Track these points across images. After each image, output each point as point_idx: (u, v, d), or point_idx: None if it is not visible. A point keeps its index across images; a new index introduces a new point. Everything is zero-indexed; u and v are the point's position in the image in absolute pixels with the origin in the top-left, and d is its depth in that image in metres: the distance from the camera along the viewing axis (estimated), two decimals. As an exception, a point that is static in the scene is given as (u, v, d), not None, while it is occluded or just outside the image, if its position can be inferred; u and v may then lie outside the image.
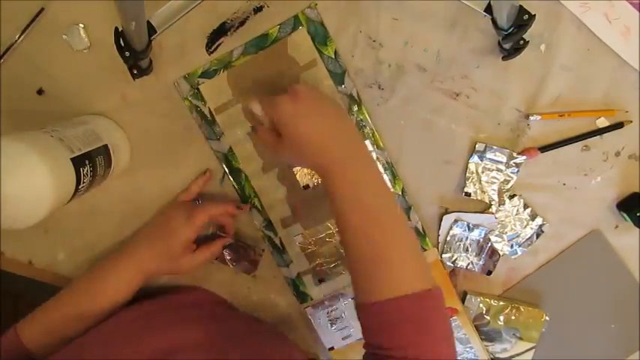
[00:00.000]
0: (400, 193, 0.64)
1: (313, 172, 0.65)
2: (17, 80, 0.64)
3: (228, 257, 0.67)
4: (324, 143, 0.51)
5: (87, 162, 0.54)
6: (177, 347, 0.52)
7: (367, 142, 0.64)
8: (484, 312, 0.67)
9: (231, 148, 0.65)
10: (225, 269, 0.69)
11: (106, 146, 0.58)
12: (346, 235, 0.50)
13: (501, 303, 0.66)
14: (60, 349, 0.53)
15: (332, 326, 0.68)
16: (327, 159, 0.50)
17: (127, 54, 0.52)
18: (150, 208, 0.67)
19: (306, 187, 0.65)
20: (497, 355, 0.68)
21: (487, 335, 0.67)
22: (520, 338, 0.67)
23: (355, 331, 0.68)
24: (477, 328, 0.67)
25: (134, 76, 0.58)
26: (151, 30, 0.54)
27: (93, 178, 0.55)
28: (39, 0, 0.62)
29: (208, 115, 0.64)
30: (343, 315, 0.68)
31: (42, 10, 0.62)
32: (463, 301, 0.67)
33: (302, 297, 0.68)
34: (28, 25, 0.62)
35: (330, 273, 0.67)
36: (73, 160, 0.52)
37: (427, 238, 0.66)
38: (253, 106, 0.54)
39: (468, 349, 0.67)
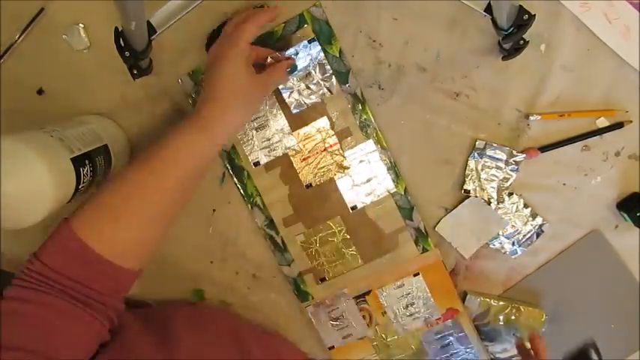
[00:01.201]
0: (403, 192, 0.64)
1: (316, 172, 0.65)
2: (17, 80, 0.64)
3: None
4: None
5: (87, 162, 0.54)
6: None
7: (370, 142, 0.64)
8: (484, 312, 0.67)
9: (233, 145, 0.65)
10: (226, 268, 0.69)
11: (106, 146, 0.58)
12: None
13: (501, 303, 0.66)
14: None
15: (332, 325, 0.68)
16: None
17: (127, 54, 0.53)
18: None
19: (309, 185, 0.65)
20: (497, 355, 0.68)
21: (487, 335, 0.67)
22: (520, 338, 0.67)
23: (355, 330, 0.68)
24: (477, 328, 0.67)
25: (134, 76, 0.58)
26: (151, 30, 0.54)
27: (93, 177, 0.55)
28: (39, 0, 0.62)
29: None
30: (344, 314, 0.68)
31: (42, 10, 0.62)
32: (463, 301, 0.67)
33: (303, 296, 0.68)
34: (28, 25, 0.62)
35: (332, 272, 0.67)
36: (73, 160, 0.52)
37: (429, 239, 0.66)
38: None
39: (468, 350, 0.67)
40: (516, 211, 0.65)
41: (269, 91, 0.60)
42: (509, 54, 0.58)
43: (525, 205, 0.65)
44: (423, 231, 0.65)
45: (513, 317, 0.66)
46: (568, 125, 0.63)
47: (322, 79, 0.63)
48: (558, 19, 0.60)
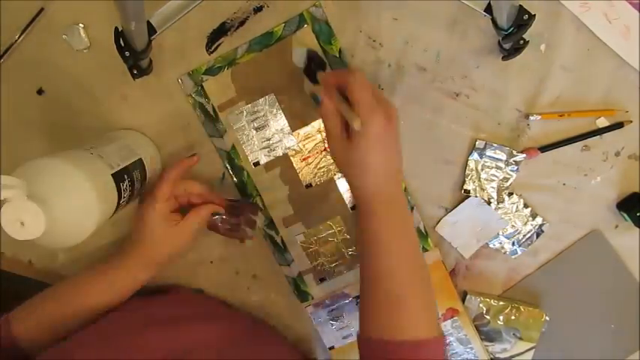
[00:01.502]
0: (403, 189, 0.64)
1: (316, 172, 0.65)
2: (17, 80, 0.64)
3: (223, 225, 0.63)
4: (386, 176, 0.50)
5: (125, 177, 0.54)
6: (190, 347, 0.52)
7: None
8: (484, 312, 0.67)
9: (233, 145, 0.65)
10: (226, 268, 0.69)
11: (140, 160, 0.59)
12: (367, 272, 0.51)
13: (501, 303, 0.66)
14: (55, 345, 0.52)
15: (332, 325, 0.68)
16: (381, 192, 0.50)
17: (127, 54, 0.53)
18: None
19: (309, 185, 0.65)
20: (497, 355, 0.68)
21: (487, 335, 0.67)
22: (520, 338, 0.67)
23: (355, 330, 0.68)
24: (477, 328, 0.67)
25: (134, 76, 0.58)
26: (151, 30, 0.54)
27: (132, 191, 0.56)
28: (39, 0, 0.62)
29: (211, 113, 0.64)
30: (344, 314, 0.68)
31: (42, 10, 0.62)
32: (463, 301, 0.67)
33: (303, 296, 0.68)
34: (28, 25, 0.62)
35: (332, 272, 0.67)
36: (113, 175, 0.52)
37: (429, 239, 0.66)
38: (355, 123, 0.48)
39: (468, 350, 0.67)
40: (516, 211, 0.65)
41: (191, 234, 0.61)
42: (509, 54, 0.58)
43: (525, 205, 0.65)
44: (423, 231, 0.65)
45: (513, 317, 0.66)
46: (568, 125, 0.63)
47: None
48: (558, 19, 0.60)
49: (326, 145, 0.64)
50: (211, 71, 0.63)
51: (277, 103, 0.64)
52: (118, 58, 0.53)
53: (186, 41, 0.63)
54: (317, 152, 0.64)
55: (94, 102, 0.65)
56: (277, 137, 0.65)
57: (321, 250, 0.67)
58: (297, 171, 0.65)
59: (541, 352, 0.67)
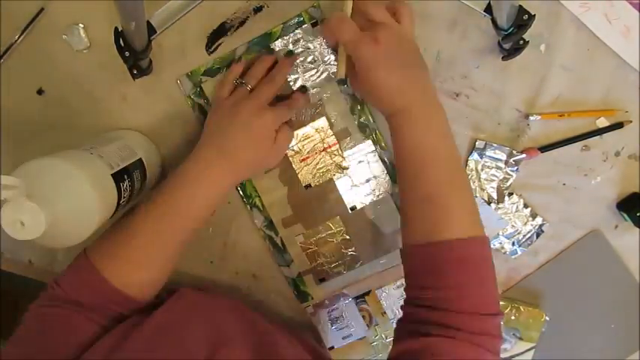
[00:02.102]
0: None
1: (315, 172, 0.65)
2: (17, 80, 0.64)
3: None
4: (400, 88, 0.51)
5: (125, 177, 0.54)
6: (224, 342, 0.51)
7: (369, 142, 0.64)
8: (484, 312, 0.67)
9: None
10: (226, 268, 0.69)
11: (140, 160, 0.59)
12: (407, 176, 0.52)
13: (501, 303, 0.66)
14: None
15: (332, 325, 0.68)
16: (399, 103, 0.52)
17: (127, 54, 0.53)
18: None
19: (308, 186, 0.65)
20: (497, 355, 0.68)
21: (487, 335, 0.67)
22: (520, 338, 0.67)
23: (355, 330, 0.68)
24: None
25: (134, 76, 0.58)
26: (151, 30, 0.54)
27: (131, 192, 0.56)
28: (39, 0, 0.62)
29: None
30: (344, 315, 0.68)
31: (42, 10, 0.62)
32: (463, 301, 0.67)
33: (303, 296, 0.68)
34: (28, 25, 0.62)
35: (331, 273, 0.67)
36: (113, 175, 0.52)
37: None
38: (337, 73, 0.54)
39: None
40: (516, 211, 0.65)
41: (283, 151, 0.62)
42: (509, 54, 0.58)
43: (525, 205, 0.65)
44: None
45: (513, 317, 0.66)
46: (568, 125, 0.63)
47: (328, 63, 0.62)
48: (558, 19, 0.60)
49: (324, 146, 0.64)
50: (210, 72, 0.63)
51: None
52: (118, 58, 0.53)
53: (186, 41, 0.63)
54: (316, 153, 0.64)
55: (94, 102, 0.65)
56: None
57: (321, 250, 0.67)
58: (297, 171, 0.65)
59: (541, 352, 0.67)
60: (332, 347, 0.69)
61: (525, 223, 0.65)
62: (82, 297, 0.52)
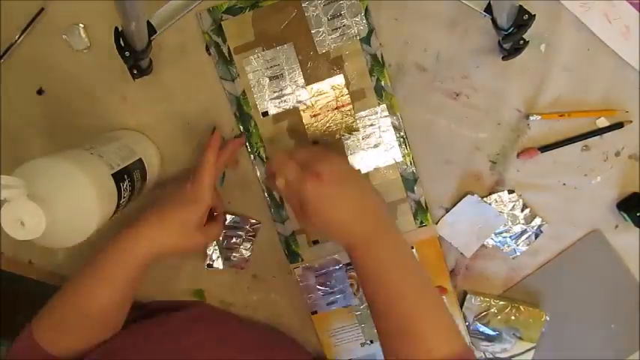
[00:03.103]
0: (409, 163, 0.64)
1: (324, 129, 0.64)
2: (17, 80, 0.64)
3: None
4: (347, 224, 0.51)
5: (126, 177, 0.54)
6: None
7: (384, 106, 0.63)
8: (484, 312, 0.67)
9: (244, 91, 0.63)
10: (225, 269, 0.69)
11: (140, 160, 0.59)
12: (375, 309, 0.51)
13: (501, 303, 0.66)
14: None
15: (318, 290, 0.67)
16: (348, 238, 0.51)
17: (127, 54, 0.53)
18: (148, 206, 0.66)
19: (315, 142, 0.64)
20: (497, 355, 0.68)
21: (487, 335, 0.67)
22: (520, 338, 0.67)
23: (341, 297, 0.67)
24: (476, 329, 0.67)
25: (134, 76, 0.58)
26: (151, 30, 0.54)
27: (132, 192, 0.56)
28: (39, 0, 0.62)
29: (226, 54, 0.63)
30: (332, 280, 0.67)
31: (42, 10, 0.62)
32: (463, 300, 0.67)
33: (293, 257, 0.67)
34: (28, 25, 0.62)
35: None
36: (113, 175, 0.52)
37: (428, 214, 0.65)
38: (278, 183, 0.52)
39: None
40: (515, 211, 0.65)
41: (201, 248, 0.65)
42: (509, 54, 0.58)
43: (525, 206, 0.65)
44: (424, 205, 0.65)
45: (513, 317, 0.66)
46: (568, 125, 0.63)
47: (353, 22, 0.61)
48: (558, 19, 0.60)
49: (338, 104, 0.63)
50: (232, 10, 0.61)
51: (295, 54, 0.62)
52: (118, 58, 0.53)
53: (186, 41, 0.63)
54: (328, 110, 0.63)
55: (94, 102, 0.65)
56: (290, 89, 0.63)
57: None
58: (306, 126, 0.64)
59: (541, 352, 0.67)
60: (315, 312, 0.68)
61: (525, 224, 0.65)
62: None
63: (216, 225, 0.63)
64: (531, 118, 0.63)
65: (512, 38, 0.54)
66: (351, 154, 0.64)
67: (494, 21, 0.55)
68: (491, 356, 0.68)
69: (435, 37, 0.62)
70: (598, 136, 0.63)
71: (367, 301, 0.52)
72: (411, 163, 0.64)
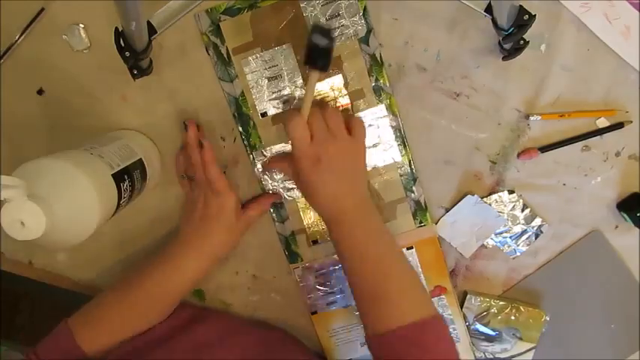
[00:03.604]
0: (408, 163, 0.64)
1: None
2: (17, 80, 0.64)
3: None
4: (336, 197, 0.55)
5: (126, 177, 0.54)
6: None
7: (382, 106, 0.63)
8: (484, 312, 0.67)
9: (243, 92, 0.63)
10: (226, 268, 0.69)
11: (140, 160, 0.59)
12: (351, 278, 0.55)
13: (501, 303, 0.66)
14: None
15: (319, 290, 0.67)
16: (335, 211, 0.55)
17: (127, 54, 0.52)
18: (148, 206, 0.66)
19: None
20: (497, 355, 0.68)
21: (487, 335, 0.67)
22: (520, 338, 0.67)
23: (341, 298, 0.67)
24: (477, 328, 0.67)
25: (134, 76, 0.58)
26: (151, 30, 0.54)
27: (132, 192, 0.56)
28: (39, 0, 0.62)
29: (225, 55, 0.63)
30: (331, 280, 0.67)
31: (42, 10, 0.62)
32: (463, 301, 0.67)
33: (292, 257, 0.67)
34: (28, 25, 0.62)
35: (325, 235, 0.66)
36: (113, 176, 0.52)
37: (427, 213, 0.65)
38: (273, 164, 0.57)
39: (450, 330, 0.66)
40: (515, 211, 0.65)
41: (249, 225, 0.65)
42: (510, 54, 0.58)
43: (525, 206, 0.65)
44: (423, 205, 0.65)
45: (513, 317, 0.66)
46: (568, 125, 0.63)
47: (352, 22, 0.61)
48: (558, 19, 0.60)
49: (337, 105, 0.63)
50: (231, 11, 0.61)
51: (294, 55, 0.62)
52: (118, 58, 0.53)
53: (186, 41, 0.63)
54: None
55: (94, 102, 0.65)
56: (289, 90, 0.63)
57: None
58: None
59: (541, 352, 0.67)
60: (315, 312, 0.68)
61: (525, 224, 0.65)
62: None
63: (256, 205, 0.64)
64: (531, 118, 0.63)
65: (512, 38, 0.54)
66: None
67: (494, 21, 0.55)
68: (491, 356, 0.68)
69: (435, 37, 0.62)
70: (598, 136, 0.63)
71: (346, 272, 0.56)
72: (410, 163, 0.64)
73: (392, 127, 0.63)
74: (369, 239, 0.55)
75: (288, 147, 0.64)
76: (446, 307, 0.67)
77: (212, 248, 0.61)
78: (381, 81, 0.62)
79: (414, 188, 0.64)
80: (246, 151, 0.65)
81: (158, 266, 0.60)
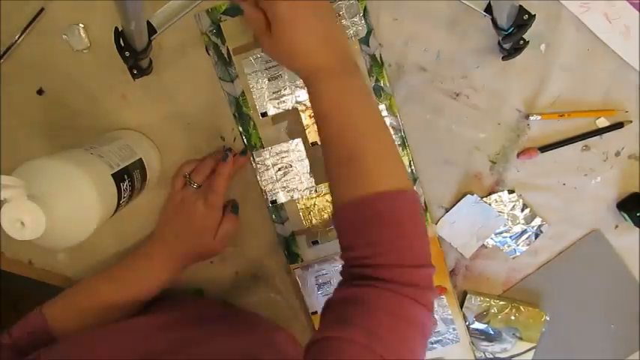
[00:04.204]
0: (408, 163, 0.64)
1: None
2: (17, 80, 0.64)
3: None
4: (315, 48, 0.49)
5: (126, 177, 0.54)
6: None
7: (382, 107, 0.63)
8: (484, 312, 0.67)
9: (243, 92, 0.64)
10: (226, 268, 0.69)
11: (140, 160, 0.59)
12: (326, 137, 0.50)
13: (501, 303, 0.66)
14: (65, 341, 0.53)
15: (319, 290, 0.67)
16: (314, 64, 0.49)
17: (127, 54, 0.52)
18: (148, 206, 0.66)
19: (314, 144, 0.64)
20: (497, 355, 0.68)
21: (487, 335, 0.67)
22: (520, 338, 0.67)
23: None
24: (477, 328, 0.67)
25: (134, 76, 0.58)
26: (151, 30, 0.54)
27: (132, 191, 0.56)
28: (39, 0, 0.62)
29: (225, 55, 0.63)
30: (332, 281, 0.67)
31: (42, 10, 0.62)
32: (463, 301, 0.67)
33: (292, 257, 0.67)
34: (28, 25, 0.62)
35: (325, 236, 0.66)
36: (113, 175, 0.52)
37: (427, 213, 0.65)
38: None
39: (450, 330, 0.67)
40: (515, 211, 0.65)
41: (223, 249, 0.65)
42: (509, 54, 0.58)
43: (525, 206, 0.65)
44: (423, 205, 0.65)
45: (513, 317, 0.66)
46: (568, 125, 0.63)
47: (352, 22, 0.61)
48: (558, 19, 0.60)
49: None
50: (231, 11, 0.61)
51: None
52: (118, 58, 0.53)
53: (186, 41, 0.63)
54: None
55: (94, 102, 0.65)
56: (289, 90, 0.63)
57: (318, 211, 0.65)
58: (305, 128, 0.64)
59: (541, 352, 0.67)
60: (315, 312, 0.68)
61: (524, 223, 0.65)
62: (22, 340, 0.56)
63: (231, 220, 0.64)
64: (531, 118, 0.63)
65: (512, 38, 0.54)
66: None
67: (494, 21, 0.55)
68: (491, 356, 0.68)
69: (435, 37, 0.62)
70: (598, 136, 0.63)
71: (318, 130, 0.51)
72: (410, 163, 0.64)
73: (392, 127, 0.63)
74: (354, 98, 0.49)
75: (288, 146, 0.64)
76: (446, 307, 0.67)
77: (185, 257, 0.62)
78: (381, 81, 0.62)
79: (414, 188, 0.64)
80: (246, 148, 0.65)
81: (132, 264, 0.62)
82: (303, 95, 0.63)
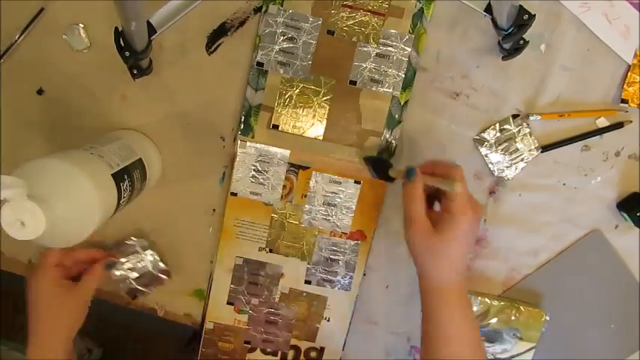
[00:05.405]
0: (401, 103, 0.63)
1: (348, 23, 0.61)
2: (17, 80, 0.64)
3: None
4: (460, 269, 0.53)
5: (126, 177, 0.54)
6: None
7: (412, 37, 0.61)
8: (484, 312, 0.67)
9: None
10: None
11: (140, 160, 0.59)
12: (435, 355, 0.53)
13: (501, 303, 0.66)
14: None
15: (250, 173, 0.65)
16: (454, 283, 0.52)
17: (127, 54, 0.52)
18: (148, 206, 0.66)
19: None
20: (497, 356, 0.68)
21: (487, 335, 0.67)
22: (520, 338, 0.67)
23: (267, 193, 0.64)
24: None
25: (134, 76, 0.58)
26: (151, 30, 0.54)
27: (131, 191, 0.56)
28: (39, 0, 0.62)
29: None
30: (267, 172, 0.64)
31: (42, 10, 0.62)
32: (463, 301, 0.67)
33: (245, 130, 0.63)
34: (28, 25, 0.62)
35: (289, 126, 0.63)
36: (113, 175, 0.52)
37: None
38: (456, 187, 0.51)
39: (346, 276, 0.67)
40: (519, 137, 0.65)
41: (88, 295, 0.62)
42: (509, 54, 0.58)
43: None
44: (394, 145, 0.64)
45: (513, 317, 0.66)
46: (568, 125, 0.63)
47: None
48: (558, 19, 0.61)
49: (374, 8, 0.60)
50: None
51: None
52: (118, 58, 0.53)
53: (186, 41, 0.63)
54: (363, 9, 0.60)
55: (94, 102, 0.65)
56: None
57: (296, 98, 0.63)
58: (332, 15, 0.61)
59: (541, 352, 0.67)
60: (235, 194, 0.65)
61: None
62: None
63: (85, 281, 0.62)
64: (531, 118, 0.63)
65: (512, 38, 0.54)
66: (356, 62, 0.61)
67: (494, 21, 0.55)
68: (491, 356, 0.68)
69: (435, 37, 0.62)
70: (598, 136, 0.63)
71: (423, 336, 0.54)
72: (405, 103, 0.63)
73: (409, 59, 0.62)
74: (467, 324, 0.53)
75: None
76: (356, 252, 0.66)
77: (48, 332, 0.60)
78: (425, 12, 0.61)
79: (394, 129, 0.63)
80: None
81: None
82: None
